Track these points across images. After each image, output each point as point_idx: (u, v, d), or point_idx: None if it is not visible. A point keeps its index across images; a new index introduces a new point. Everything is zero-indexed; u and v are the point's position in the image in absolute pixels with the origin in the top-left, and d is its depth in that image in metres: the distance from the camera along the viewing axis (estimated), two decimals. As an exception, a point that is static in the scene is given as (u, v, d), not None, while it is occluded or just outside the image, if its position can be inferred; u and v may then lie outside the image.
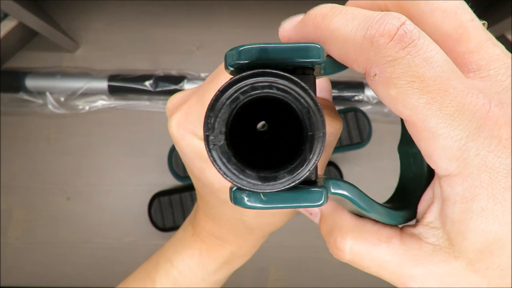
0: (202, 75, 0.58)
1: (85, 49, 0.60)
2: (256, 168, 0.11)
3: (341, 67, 0.15)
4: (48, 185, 0.58)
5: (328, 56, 0.15)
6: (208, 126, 0.11)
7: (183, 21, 0.60)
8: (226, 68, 0.13)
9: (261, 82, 0.11)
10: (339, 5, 0.15)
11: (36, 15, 0.50)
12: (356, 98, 0.56)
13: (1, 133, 0.58)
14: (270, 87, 0.11)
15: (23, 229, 0.58)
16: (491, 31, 0.15)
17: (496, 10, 0.52)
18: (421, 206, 0.16)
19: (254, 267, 0.58)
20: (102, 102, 0.58)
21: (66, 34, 0.58)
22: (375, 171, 0.57)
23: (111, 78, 0.56)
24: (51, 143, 0.59)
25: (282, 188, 0.11)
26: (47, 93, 0.57)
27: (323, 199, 0.13)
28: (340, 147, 0.53)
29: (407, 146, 0.19)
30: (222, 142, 0.11)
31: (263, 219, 0.25)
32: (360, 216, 0.17)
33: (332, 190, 0.15)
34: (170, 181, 0.57)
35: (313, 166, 0.11)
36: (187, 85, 0.56)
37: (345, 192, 0.15)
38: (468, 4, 0.14)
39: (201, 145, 0.21)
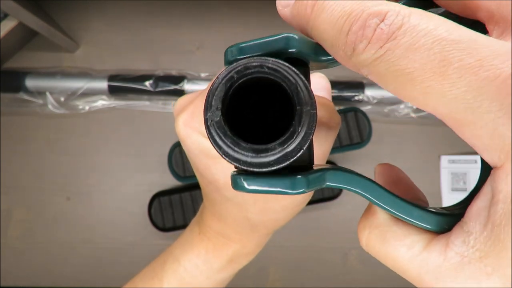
0: (202, 75, 0.58)
1: (85, 49, 0.60)
2: (250, 142, 0.12)
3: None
4: (48, 185, 0.58)
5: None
6: (207, 107, 0.12)
7: (183, 21, 0.60)
8: (226, 64, 0.13)
9: (253, 62, 0.12)
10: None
11: (36, 15, 0.50)
12: (356, 98, 0.56)
13: (1, 133, 0.58)
14: (261, 66, 0.12)
15: (23, 229, 0.58)
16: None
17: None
18: (470, 205, 0.13)
19: (254, 267, 0.58)
20: (102, 102, 0.58)
21: (66, 34, 0.58)
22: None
23: (111, 78, 0.56)
24: (51, 143, 0.59)
25: (277, 166, 0.12)
26: (47, 93, 0.57)
27: (302, 187, 0.13)
28: (340, 147, 0.53)
29: None
30: (218, 118, 0.12)
31: (266, 216, 0.25)
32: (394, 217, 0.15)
33: (328, 183, 0.15)
34: (170, 181, 0.57)
35: (303, 141, 0.12)
36: (187, 85, 0.56)
37: (347, 186, 0.15)
38: None
39: (207, 142, 0.22)
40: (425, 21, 0.12)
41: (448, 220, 0.14)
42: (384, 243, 0.14)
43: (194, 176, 0.28)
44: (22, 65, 0.59)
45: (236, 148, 0.12)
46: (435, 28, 0.12)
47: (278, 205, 0.25)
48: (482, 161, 0.14)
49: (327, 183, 0.15)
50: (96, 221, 0.58)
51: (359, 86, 0.56)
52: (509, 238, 0.11)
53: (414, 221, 0.14)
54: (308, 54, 0.14)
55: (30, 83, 0.57)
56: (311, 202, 0.55)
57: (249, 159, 0.12)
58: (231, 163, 0.12)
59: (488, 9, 0.13)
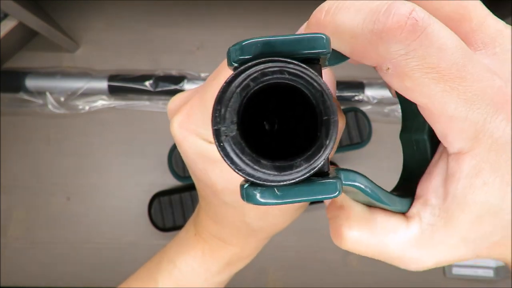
0: (202, 75, 0.58)
1: (85, 49, 0.60)
2: (271, 158, 0.11)
3: (343, 57, 0.15)
4: (48, 185, 0.58)
5: None
6: (217, 120, 0.11)
7: (183, 21, 0.60)
8: (230, 64, 0.12)
9: (271, 67, 0.10)
10: (341, 0, 0.14)
11: (36, 15, 0.50)
12: (356, 98, 0.56)
13: (1, 133, 0.58)
14: (281, 72, 0.10)
15: (23, 229, 0.58)
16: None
17: (496, 10, 0.52)
18: (420, 185, 0.16)
19: (254, 267, 0.57)
20: (102, 102, 0.58)
21: (66, 34, 0.58)
22: (375, 171, 0.57)
23: (111, 78, 0.56)
24: (51, 143, 0.59)
25: (299, 179, 0.11)
26: (47, 93, 0.57)
27: (338, 190, 0.12)
28: (340, 147, 0.53)
29: (410, 133, 0.19)
30: (234, 133, 0.10)
31: (265, 221, 0.25)
32: (369, 206, 0.17)
33: (344, 182, 0.14)
34: (170, 181, 0.57)
35: (329, 153, 0.11)
36: (187, 85, 0.56)
37: (356, 183, 0.15)
38: None
39: (204, 145, 0.21)
40: (440, 23, 0.13)
41: (408, 202, 0.16)
42: (373, 233, 0.16)
43: (193, 176, 0.27)
44: (22, 65, 0.59)
45: (256, 166, 0.11)
46: (449, 32, 0.13)
47: (278, 210, 0.24)
48: (430, 148, 0.17)
49: (344, 182, 0.15)
50: (96, 221, 0.58)
51: (359, 86, 0.56)
52: (466, 203, 0.14)
53: (394, 206, 0.16)
54: (331, 59, 0.13)
55: (30, 83, 0.57)
56: (311, 202, 0.55)
57: (271, 177, 0.11)
58: (250, 180, 0.11)
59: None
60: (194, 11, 0.60)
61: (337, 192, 0.12)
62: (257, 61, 0.11)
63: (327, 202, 0.19)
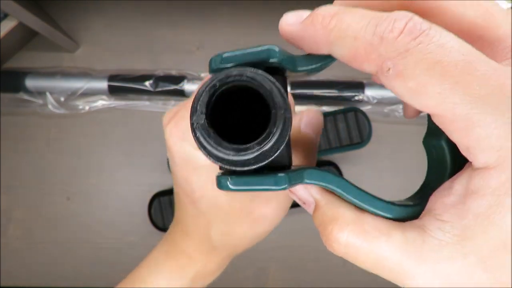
0: (202, 75, 0.58)
1: (85, 49, 0.60)
2: (233, 143, 0.13)
3: (316, 63, 0.16)
4: (48, 185, 0.58)
5: (309, 55, 0.16)
6: (192, 111, 0.13)
7: (183, 21, 0.60)
8: (210, 72, 0.15)
9: (233, 71, 0.13)
10: (347, 7, 0.14)
11: (36, 15, 0.50)
12: (356, 98, 0.56)
13: (1, 133, 0.58)
14: (240, 75, 0.13)
15: (23, 229, 0.58)
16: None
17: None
18: (433, 198, 0.15)
19: (254, 267, 0.58)
20: (102, 102, 0.58)
21: (66, 34, 0.58)
22: (375, 171, 0.57)
23: (111, 78, 0.56)
24: (51, 143, 0.59)
25: (252, 156, 0.13)
26: (47, 93, 0.57)
27: (286, 184, 0.15)
28: (340, 147, 0.53)
29: (431, 139, 0.18)
30: (202, 121, 0.13)
31: (227, 238, 0.26)
32: (360, 209, 0.16)
33: (306, 180, 0.16)
34: (170, 181, 0.57)
35: (279, 141, 0.13)
36: (187, 85, 0.56)
37: (322, 183, 0.16)
38: None
39: (190, 150, 0.24)
40: (443, 28, 0.13)
41: (411, 211, 0.16)
42: (365, 238, 0.15)
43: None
44: (22, 65, 0.59)
45: (219, 148, 0.13)
46: (454, 35, 0.13)
47: (240, 231, 0.26)
48: (453, 161, 0.16)
49: (306, 180, 0.16)
50: (96, 221, 0.58)
51: (359, 86, 0.56)
52: (491, 224, 0.13)
53: (378, 211, 0.16)
54: (287, 65, 0.15)
55: (30, 83, 0.57)
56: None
57: (231, 157, 0.13)
58: (215, 162, 0.14)
59: (402, 4, 0.14)
60: (194, 11, 0.60)
61: (285, 185, 0.15)
62: (224, 66, 0.14)
63: (310, 209, 0.18)
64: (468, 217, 0.13)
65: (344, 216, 0.16)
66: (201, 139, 0.13)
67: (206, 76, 0.58)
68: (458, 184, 0.14)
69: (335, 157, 0.57)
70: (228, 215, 0.25)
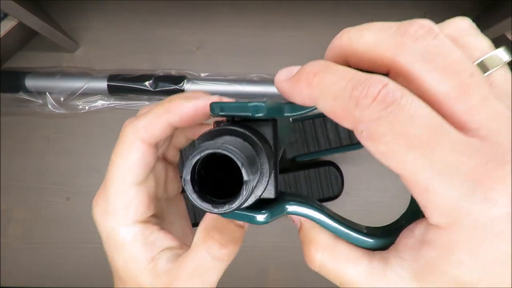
0: (202, 75, 0.58)
1: (85, 49, 0.60)
2: (212, 198, 0.17)
3: (300, 110, 0.19)
4: (48, 185, 0.58)
5: (290, 103, 0.18)
6: (180, 168, 0.17)
7: (183, 21, 0.60)
8: (212, 113, 0.19)
9: (210, 148, 0.16)
10: (331, 63, 0.16)
11: (36, 15, 0.50)
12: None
13: (1, 133, 0.58)
14: (218, 148, 0.15)
15: (23, 229, 0.58)
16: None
17: (496, 10, 0.52)
18: (402, 234, 0.17)
19: (255, 267, 0.58)
20: (102, 102, 0.58)
21: (66, 34, 0.58)
22: (375, 171, 0.57)
23: (111, 78, 0.56)
24: (51, 143, 0.59)
25: (228, 211, 0.16)
26: (47, 93, 0.57)
27: (264, 220, 0.18)
28: (340, 147, 0.53)
29: None
30: (188, 178, 0.16)
31: None
32: (337, 236, 0.19)
33: (288, 209, 0.19)
34: (170, 181, 0.57)
35: (242, 201, 0.16)
36: (187, 85, 0.56)
37: (302, 215, 0.19)
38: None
39: (113, 226, 0.25)
40: (415, 97, 0.14)
41: (382, 242, 0.18)
42: (335, 262, 0.18)
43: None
44: (22, 65, 0.59)
45: (201, 201, 0.16)
46: (425, 105, 0.14)
47: None
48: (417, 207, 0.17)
49: (288, 211, 0.19)
50: (96, 221, 0.58)
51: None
52: (440, 273, 0.14)
53: (351, 241, 0.18)
54: (273, 115, 0.18)
55: (30, 83, 0.57)
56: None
57: (210, 208, 0.17)
58: (202, 209, 0.17)
59: (386, 65, 0.15)
60: (194, 11, 0.60)
61: (266, 221, 0.18)
62: (224, 113, 0.19)
63: (298, 227, 0.21)
64: (421, 262, 0.15)
65: (321, 241, 0.19)
66: (188, 192, 0.16)
67: (208, 75, 0.58)
68: (418, 230, 0.16)
69: (335, 157, 0.57)
70: None
